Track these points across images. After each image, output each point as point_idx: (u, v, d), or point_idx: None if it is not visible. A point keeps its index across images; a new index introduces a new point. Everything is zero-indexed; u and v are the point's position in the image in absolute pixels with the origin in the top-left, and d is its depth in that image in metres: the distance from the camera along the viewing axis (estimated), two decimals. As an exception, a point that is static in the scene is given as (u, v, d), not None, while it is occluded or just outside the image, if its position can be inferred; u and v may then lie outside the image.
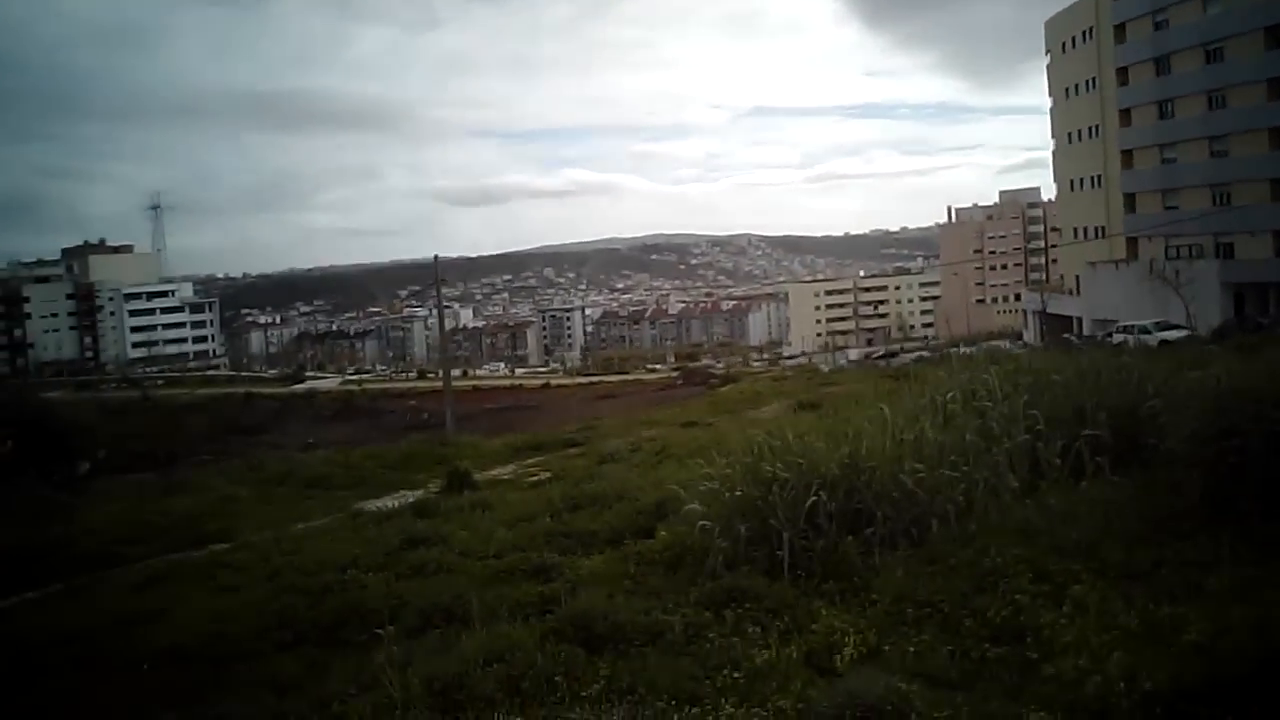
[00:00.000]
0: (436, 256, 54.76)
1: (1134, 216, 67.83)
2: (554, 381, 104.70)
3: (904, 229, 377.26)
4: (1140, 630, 5.88)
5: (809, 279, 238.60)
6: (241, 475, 28.80)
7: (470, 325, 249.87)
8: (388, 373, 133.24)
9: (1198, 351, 23.51)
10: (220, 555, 14.83)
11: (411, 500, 19.52)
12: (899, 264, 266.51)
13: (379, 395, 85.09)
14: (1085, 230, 75.98)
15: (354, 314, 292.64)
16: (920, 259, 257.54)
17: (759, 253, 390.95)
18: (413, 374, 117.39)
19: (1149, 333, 43.22)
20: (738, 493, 8.43)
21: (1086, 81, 74.53)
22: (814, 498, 7.96)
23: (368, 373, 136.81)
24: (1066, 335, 54.03)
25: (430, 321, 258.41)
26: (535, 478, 23.57)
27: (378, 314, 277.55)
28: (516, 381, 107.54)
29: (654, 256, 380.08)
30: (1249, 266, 58.59)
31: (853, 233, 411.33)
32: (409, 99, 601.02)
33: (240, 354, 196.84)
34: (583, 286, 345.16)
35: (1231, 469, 8.26)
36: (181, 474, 32.39)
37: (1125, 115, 68.72)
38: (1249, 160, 59.32)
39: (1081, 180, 76.80)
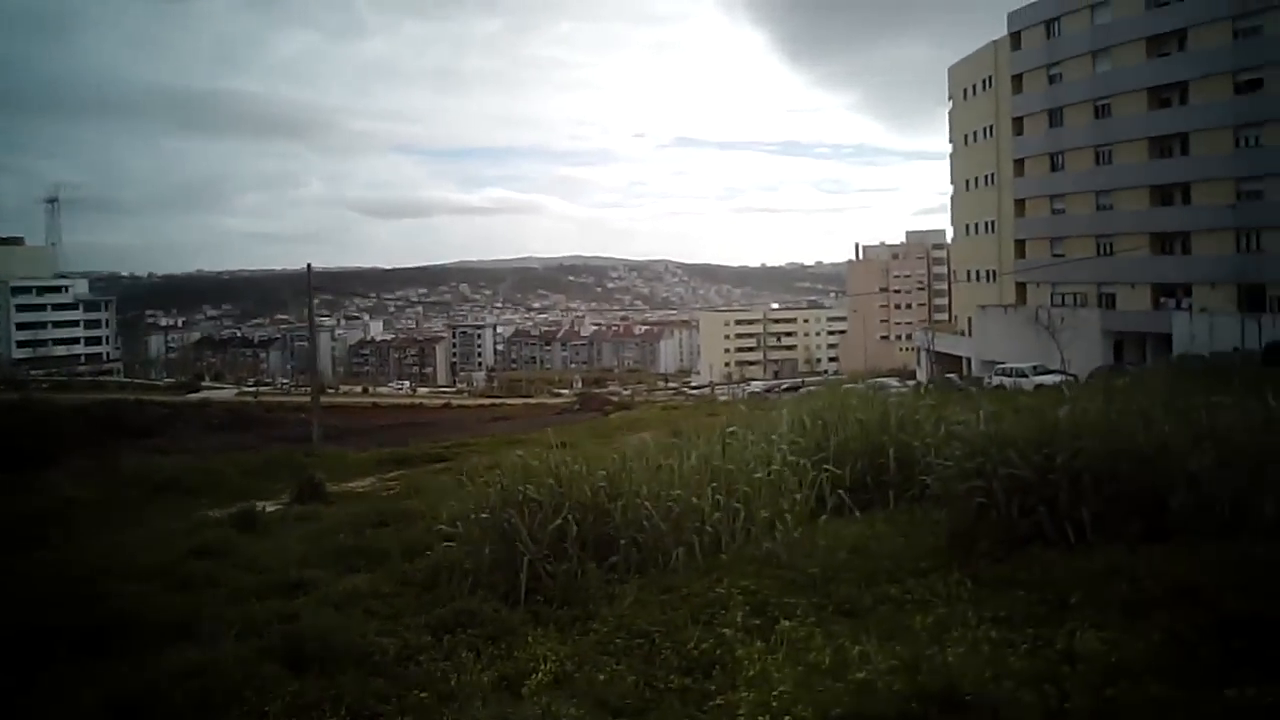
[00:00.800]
0: (310, 266, 52.99)
1: (1024, 263, 69.86)
2: (456, 402, 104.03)
3: (818, 263, 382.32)
4: (827, 666, 5.88)
5: (721, 308, 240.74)
6: (91, 478, 27.80)
7: (379, 338, 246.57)
8: (288, 385, 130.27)
9: (1047, 394, 24.15)
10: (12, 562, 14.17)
11: (256, 508, 18.98)
12: (812, 298, 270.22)
13: (274, 407, 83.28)
14: (978, 274, 78.09)
15: (261, 320, 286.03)
16: (833, 294, 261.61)
17: (676, 279, 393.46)
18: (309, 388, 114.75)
19: (1025, 376, 44.40)
20: (484, 515, 8.32)
21: (985, 129, 76.80)
22: (559, 521, 7.88)
23: (268, 384, 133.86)
24: (949, 375, 55.36)
25: (338, 333, 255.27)
26: (391, 491, 23.25)
27: (285, 322, 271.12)
28: (418, 400, 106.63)
29: (571, 278, 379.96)
30: (1128, 316, 60.81)
31: (769, 264, 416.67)
32: (331, 107, 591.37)
33: (138, 357, 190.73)
34: (498, 304, 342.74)
35: (978, 509, 8.43)
36: (35, 477, 31.14)
37: (1019, 165, 70.93)
38: (1131, 215, 61.71)
39: (977, 225, 78.97)
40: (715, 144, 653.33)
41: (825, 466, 10.40)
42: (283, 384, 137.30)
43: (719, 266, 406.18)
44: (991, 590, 7.09)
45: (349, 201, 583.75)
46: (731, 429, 11.57)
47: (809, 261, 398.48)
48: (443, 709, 5.90)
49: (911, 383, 63.84)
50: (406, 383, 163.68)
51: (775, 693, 5.48)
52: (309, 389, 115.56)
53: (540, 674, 6.25)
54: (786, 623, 6.66)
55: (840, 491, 9.73)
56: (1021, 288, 70.40)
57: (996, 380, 45.37)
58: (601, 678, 6.15)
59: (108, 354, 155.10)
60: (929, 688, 5.02)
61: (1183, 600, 5.85)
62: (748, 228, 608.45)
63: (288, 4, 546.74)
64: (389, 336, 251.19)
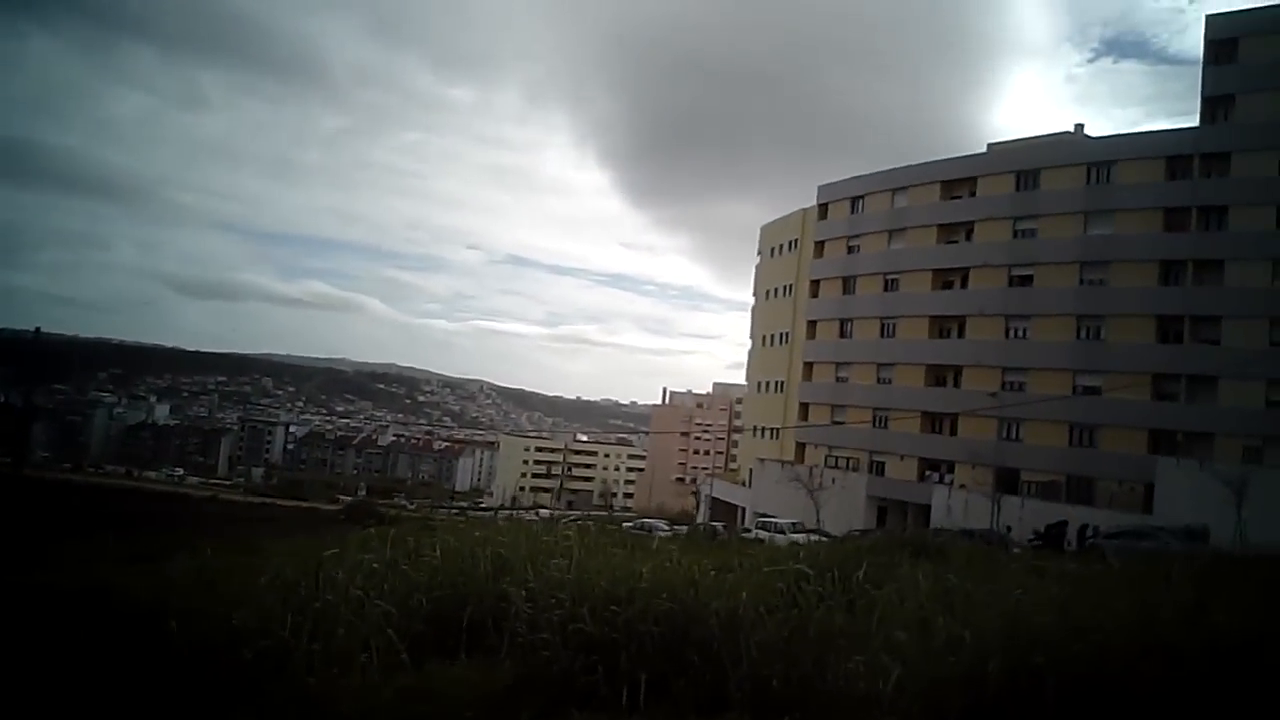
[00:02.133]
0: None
1: (805, 425, 71.52)
2: (225, 495, 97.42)
3: (634, 403, 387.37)
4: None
5: (527, 433, 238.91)
6: None
7: (162, 422, 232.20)
8: (47, 458, 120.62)
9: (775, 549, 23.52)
10: None
11: None
12: (622, 435, 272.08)
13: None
14: (764, 431, 79.56)
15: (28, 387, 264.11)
16: (643, 434, 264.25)
17: (489, 401, 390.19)
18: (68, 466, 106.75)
19: (782, 531, 44.31)
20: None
21: (784, 287, 79.45)
22: None
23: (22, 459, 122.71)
24: (714, 524, 55.12)
25: (117, 411, 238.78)
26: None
27: (61, 393, 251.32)
28: (184, 490, 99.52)
29: (381, 386, 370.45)
30: (894, 485, 62.65)
31: (584, 397, 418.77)
32: (154, 175, 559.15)
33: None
34: (300, 402, 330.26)
35: (543, 661, 7.15)
36: None
37: (811, 327, 73.39)
38: (907, 391, 64.23)
39: (769, 383, 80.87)
40: (547, 266, 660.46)
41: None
42: (43, 457, 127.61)
43: (534, 393, 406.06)
44: None
45: (160, 274, 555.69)
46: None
47: (625, 400, 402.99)
48: None
49: (680, 527, 63.59)
50: (180, 470, 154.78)
51: None
52: (64, 467, 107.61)
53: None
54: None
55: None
56: (802, 447, 71.90)
57: (755, 533, 45.15)
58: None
59: None
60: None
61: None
62: (568, 357, 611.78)
63: (128, 63, 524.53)
64: (174, 421, 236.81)
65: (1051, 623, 6.20)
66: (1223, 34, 53.56)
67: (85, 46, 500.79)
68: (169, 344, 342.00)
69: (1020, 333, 59.34)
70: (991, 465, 56.20)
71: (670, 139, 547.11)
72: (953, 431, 61.44)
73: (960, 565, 10.36)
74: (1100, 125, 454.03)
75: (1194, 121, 54.73)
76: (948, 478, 59.86)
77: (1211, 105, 53.68)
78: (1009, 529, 45.38)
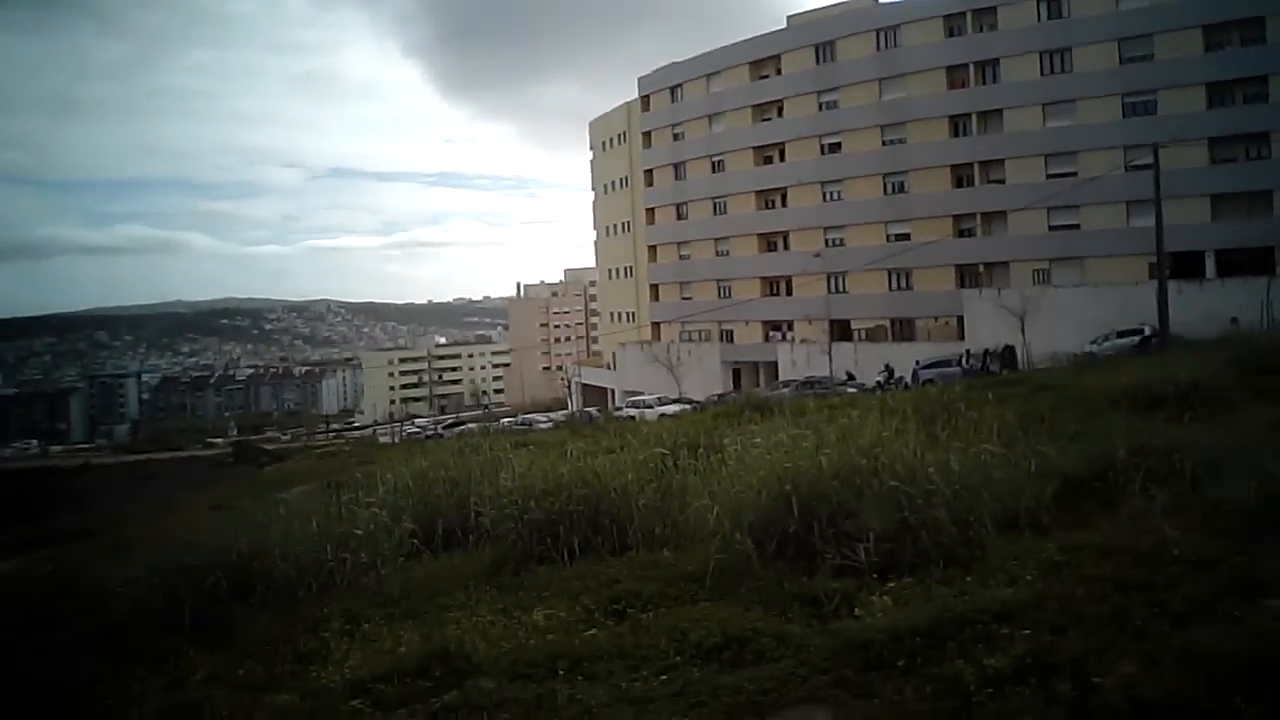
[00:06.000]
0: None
1: (657, 305, 76.85)
2: (96, 460, 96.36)
3: (486, 298, 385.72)
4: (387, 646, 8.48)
5: (386, 348, 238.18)
6: None
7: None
8: None
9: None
10: None
11: None
12: (481, 332, 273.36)
13: None
14: (620, 315, 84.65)
15: None
16: (500, 328, 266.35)
17: (338, 319, 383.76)
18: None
19: (650, 406, 49.45)
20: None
21: (621, 180, 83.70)
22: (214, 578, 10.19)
23: None
24: (587, 410, 60.05)
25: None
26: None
27: None
28: (50, 463, 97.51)
29: (224, 321, 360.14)
30: (743, 349, 68.83)
31: (435, 300, 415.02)
32: None
33: None
34: (142, 351, 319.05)
35: (511, 542, 11.46)
36: None
37: (650, 214, 78.09)
38: (744, 260, 69.93)
39: (617, 270, 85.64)
40: (372, 175, 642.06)
41: (405, 522, 13.01)
42: None
43: (383, 304, 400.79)
44: (512, 591, 10.09)
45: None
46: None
47: (477, 296, 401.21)
48: None
49: (558, 415, 68.45)
50: (34, 442, 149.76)
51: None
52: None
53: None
54: (366, 626, 9.29)
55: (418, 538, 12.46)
56: (658, 326, 77.30)
57: (627, 411, 50.02)
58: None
59: None
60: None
61: (597, 585, 9.08)
62: (411, 263, 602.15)
63: None
64: (11, 391, 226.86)
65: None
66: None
67: None
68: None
69: (835, 195, 65.42)
70: (825, 318, 62.64)
71: (477, 26, 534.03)
72: (788, 292, 67.64)
73: (782, 416, 14.72)
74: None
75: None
76: (790, 335, 66.10)
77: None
78: (849, 374, 51.54)
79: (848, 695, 5.64)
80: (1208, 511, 8.18)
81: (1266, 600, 5.88)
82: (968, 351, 45.16)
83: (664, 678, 6.41)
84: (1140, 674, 4.92)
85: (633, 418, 43.33)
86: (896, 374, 46.34)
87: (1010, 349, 44.04)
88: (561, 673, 6.73)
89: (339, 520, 12.32)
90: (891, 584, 7.50)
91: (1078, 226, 55.69)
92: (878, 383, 45.00)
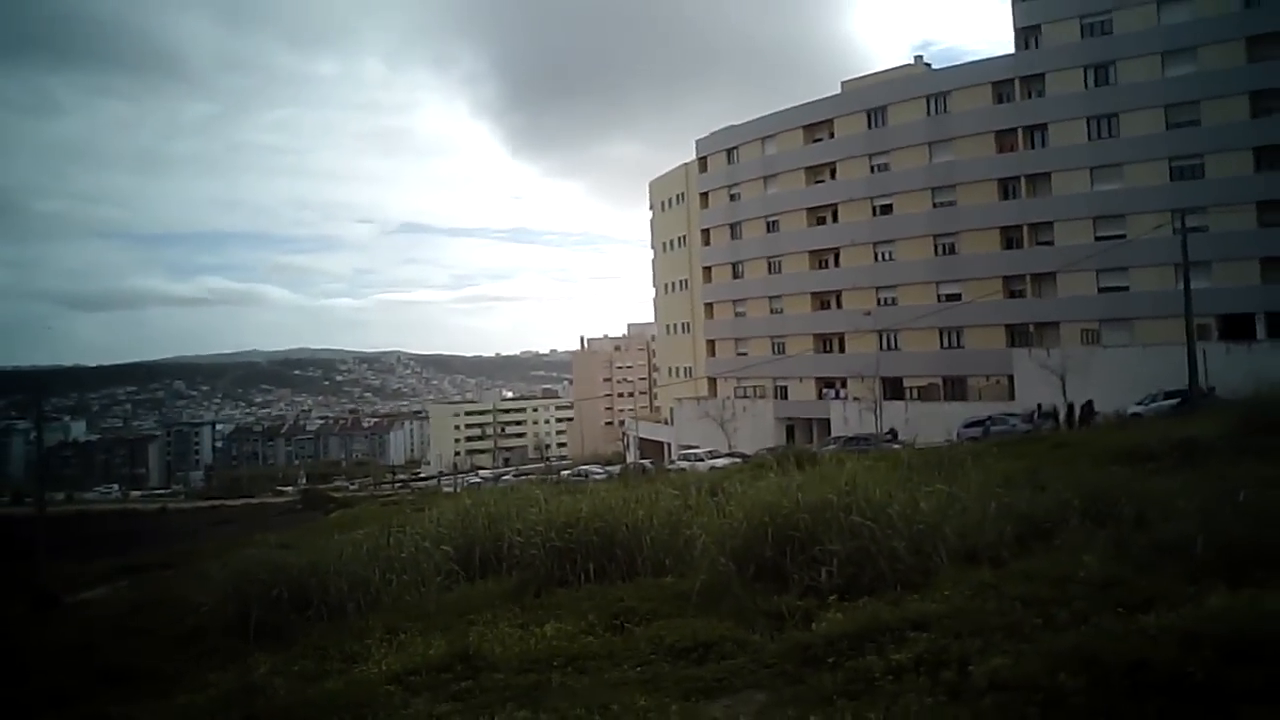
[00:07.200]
0: None
1: (714, 360, 78.38)
2: (172, 505, 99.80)
3: (553, 351, 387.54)
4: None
5: (453, 400, 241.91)
6: None
7: (81, 439, 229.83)
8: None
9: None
10: None
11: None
12: (547, 385, 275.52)
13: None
14: (677, 370, 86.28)
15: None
16: (566, 382, 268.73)
17: (408, 371, 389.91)
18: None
19: (702, 460, 50.68)
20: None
21: (679, 238, 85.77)
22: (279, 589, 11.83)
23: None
24: (641, 462, 61.49)
25: (33, 436, 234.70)
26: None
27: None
28: (130, 506, 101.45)
29: (296, 372, 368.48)
30: (796, 405, 69.87)
31: (503, 353, 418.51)
32: (14, 187, 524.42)
33: None
34: (217, 400, 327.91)
35: (537, 568, 12.95)
36: None
37: (707, 272, 79.93)
38: (798, 318, 71.27)
39: (675, 326, 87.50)
40: (443, 230, 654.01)
41: (443, 548, 14.57)
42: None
43: (452, 356, 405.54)
44: (532, 609, 11.54)
45: (43, 292, 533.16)
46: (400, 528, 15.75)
47: (544, 350, 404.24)
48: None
49: (613, 468, 69.92)
50: (116, 486, 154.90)
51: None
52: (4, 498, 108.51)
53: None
54: (403, 636, 10.81)
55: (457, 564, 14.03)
56: (713, 381, 78.70)
57: (679, 464, 51.40)
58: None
59: None
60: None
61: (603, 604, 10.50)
62: (481, 316, 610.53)
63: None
64: (94, 437, 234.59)
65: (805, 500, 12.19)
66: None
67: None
68: (68, 363, 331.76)
69: (887, 255, 66.60)
70: (877, 376, 63.44)
71: (543, 86, 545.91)
72: (841, 349, 68.68)
73: (813, 468, 16.04)
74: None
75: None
76: (842, 392, 67.00)
77: (1024, 34, 60.88)
78: (893, 431, 52.36)
79: (783, 684, 6.92)
80: (1137, 546, 9.34)
81: (1143, 615, 6.90)
82: (1039, 406, 46.25)
83: (639, 669, 7.73)
84: (1006, 666, 6.13)
85: (684, 469, 44.74)
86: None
87: (1089, 405, 44.41)
88: (557, 668, 8.06)
89: (387, 548, 14.06)
90: (847, 602, 8.59)
91: (1127, 288, 56.09)
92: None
